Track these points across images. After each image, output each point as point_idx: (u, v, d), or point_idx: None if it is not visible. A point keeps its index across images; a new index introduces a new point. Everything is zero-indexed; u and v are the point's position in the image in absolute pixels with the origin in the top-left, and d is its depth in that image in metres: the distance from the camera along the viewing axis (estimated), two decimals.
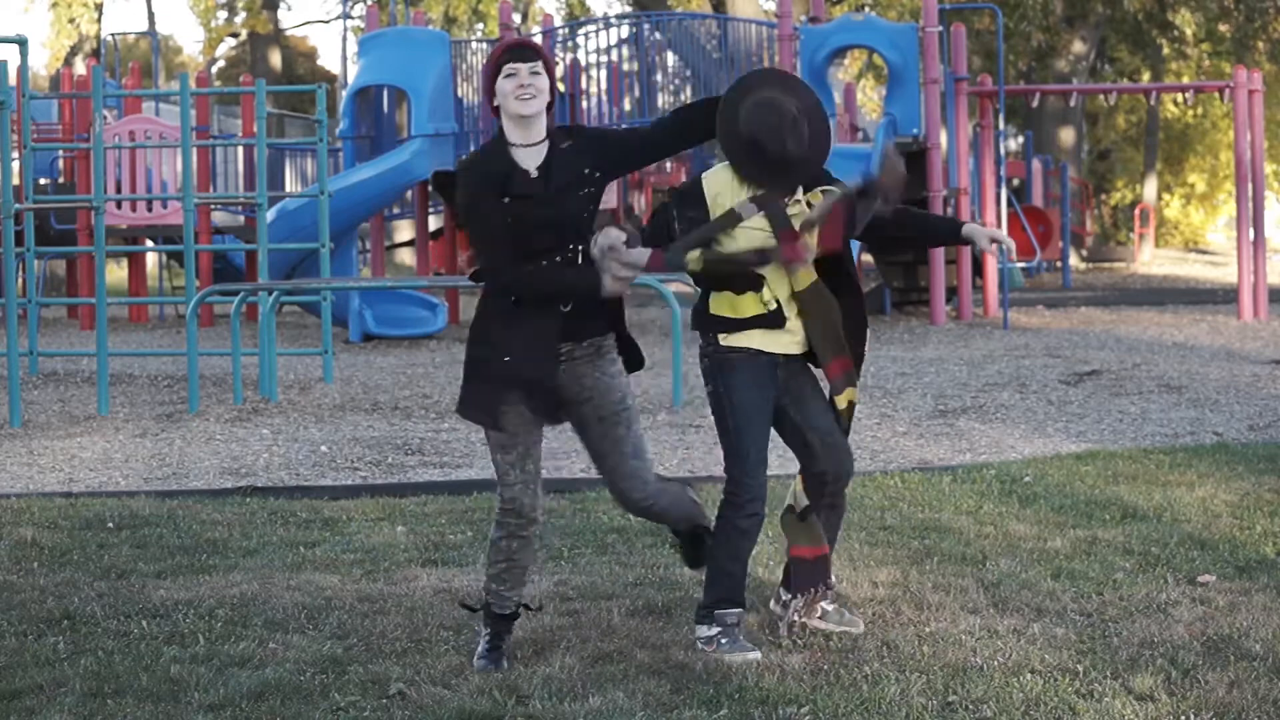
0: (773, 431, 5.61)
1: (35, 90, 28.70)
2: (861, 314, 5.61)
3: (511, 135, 5.29)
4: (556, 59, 21.19)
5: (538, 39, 21.67)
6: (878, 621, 5.80)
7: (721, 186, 5.50)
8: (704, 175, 5.58)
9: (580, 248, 5.27)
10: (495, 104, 5.30)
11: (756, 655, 5.36)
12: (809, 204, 5.51)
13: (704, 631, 5.49)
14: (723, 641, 5.43)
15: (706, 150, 32.25)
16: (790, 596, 5.68)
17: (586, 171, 5.29)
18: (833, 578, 5.74)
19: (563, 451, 10.12)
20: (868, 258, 22.39)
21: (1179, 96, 34.16)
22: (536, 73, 5.24)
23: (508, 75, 5.23)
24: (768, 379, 5.54)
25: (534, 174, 5.25)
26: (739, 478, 5.51)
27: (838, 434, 5.60)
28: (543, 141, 5.30)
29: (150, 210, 20.09)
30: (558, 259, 5.24)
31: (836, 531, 5.79)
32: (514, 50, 5.25)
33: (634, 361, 5.52)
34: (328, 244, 14.52)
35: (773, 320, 5.49)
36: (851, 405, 5.64)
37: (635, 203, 28.56)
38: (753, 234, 5.43)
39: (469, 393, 5.38)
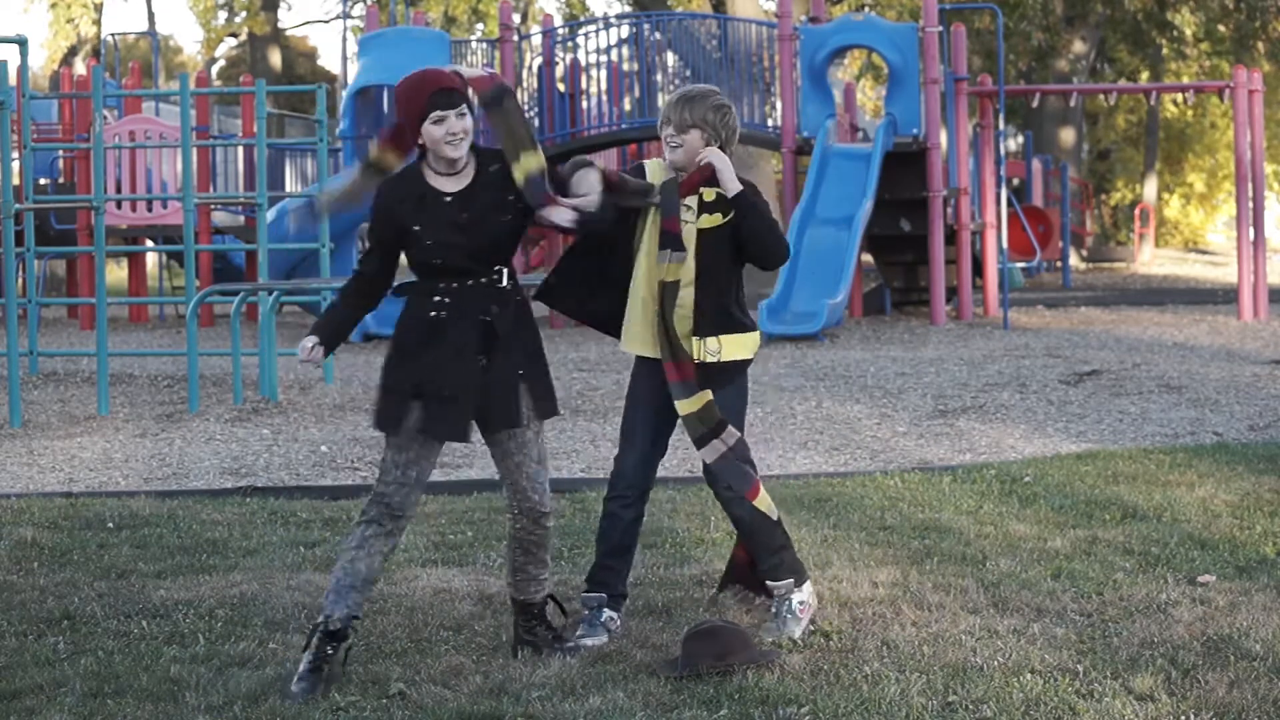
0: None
1: (35, 90, 28.71)
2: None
3: (436, 164, 5.36)
4: (557, 59, 21.19)
5: (537, 39, 21.67)
6: (878, 621, 5.80)
7: (654, 174, 5.84)
8: (645, 162, 5.90)
9: (504, 270, 5.35)
10: (420, 141, 5.30)
11: (593, 641, 5.52)
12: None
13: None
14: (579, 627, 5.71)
15: None
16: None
17: (510, 198, 5.34)
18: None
19: (563, 451, 10.13)
20: (868, 258, 22.39)
21: (1179, 96, 34.15)
22: (462, 115, 5.27)
23: (435, 121, 5.25)
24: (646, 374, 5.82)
25: (449, 199, 5.33)
26: (616, 465, 5.84)
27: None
28: (466, 168, 5.37)
29: (150, 210, 20.10)
30: (482, 280, 5.32)
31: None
32: (440, 95, 5.24)
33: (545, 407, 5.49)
34: (328, 244, 14.51)
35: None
36: (696, 414, 5.67)
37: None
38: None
39: (382, 404, 5.38)
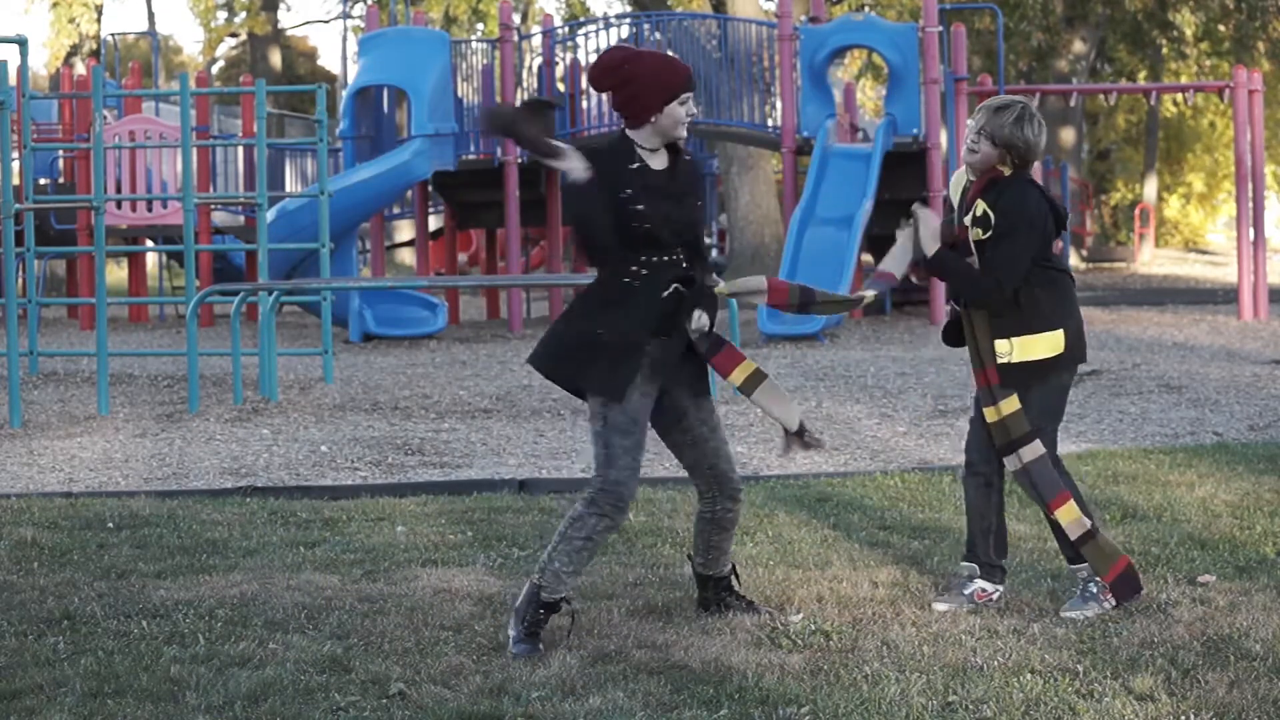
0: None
1: (35, 90, 28.70)
2: None
3: (649, 143, 5.67)
4: (557, 59, 21.19)
5: (537, 39, 21.67)
6: (878, 621, 5.80)
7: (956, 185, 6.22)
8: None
9: (684, 252, 5.64)
10: (653, 119, 5.61)
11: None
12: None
13: None
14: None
15: (706, 150, 32.27)
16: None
17: (698, 188, 5.75)
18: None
19: (562, 451, 10.12)
20: (868, 258, 22.39)
21: (1179, 96, 34.14)
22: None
23: (682, 102, 5.63)
24: None
25: (664, 178, 5.65)
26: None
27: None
28: (661, 150, 5.70)
29: (150, 210, 20.09)
30: (668, 257, 5.61)
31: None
32: (692, 81, 5.67)
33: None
34: (328, 244, 14.52)
35: None
36: (997, 423, 6.04)
37: None
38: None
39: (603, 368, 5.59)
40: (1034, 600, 6.05)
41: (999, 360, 5.97)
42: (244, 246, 18.73)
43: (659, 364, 5.60)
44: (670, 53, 21.31)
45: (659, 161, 5.66)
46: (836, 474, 9.10)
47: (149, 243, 21.77)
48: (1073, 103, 31.97)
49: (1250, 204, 20.62)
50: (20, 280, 18.63)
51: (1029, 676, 5.09)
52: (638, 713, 4.83)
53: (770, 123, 20.63)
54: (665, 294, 5.56)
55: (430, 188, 21.29)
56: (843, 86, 24.01)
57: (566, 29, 23.14)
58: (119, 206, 19.80)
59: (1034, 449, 5.96)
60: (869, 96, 39.77)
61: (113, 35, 31.00)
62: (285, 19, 64.84)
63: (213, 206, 20.56)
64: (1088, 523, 5.98)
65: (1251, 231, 20.57)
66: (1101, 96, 31.48)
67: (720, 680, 5.11)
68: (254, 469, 9.66)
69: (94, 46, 36.16)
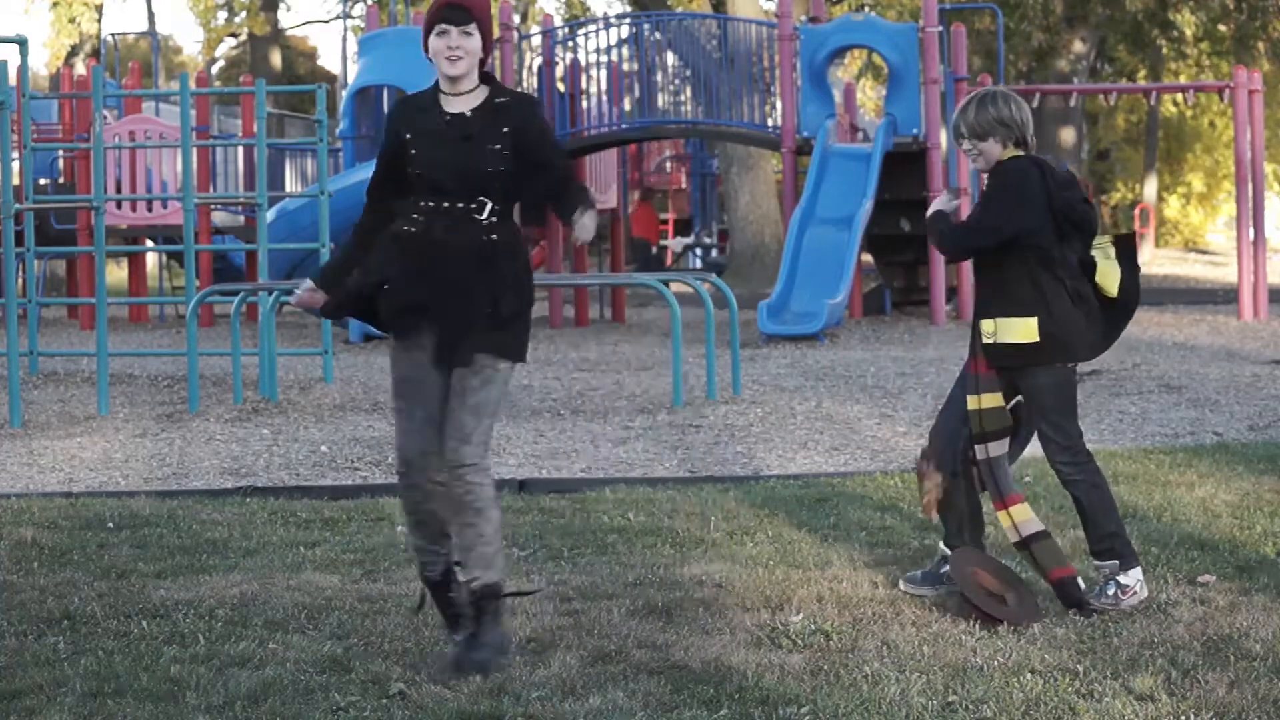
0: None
1: (35, 90, 28.69)
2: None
3: (443, 84, 5.44)
4: (557, 59, 21.18)
5: (538, 39, 21.67)
6: (878, 621, 5.80)
7: None
8: None
9: (486, 204, 5.34)
10: (429, 57, 5.42)
11: None
12: None
13: None
14: None
15: (706, 151, 32.23)
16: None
17: (505, 130, 5.36)
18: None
19: (562, 452, 10.12)
20: (868, 258, 22.39)
21: (1179, 96, 34.13)
22: (468, 34, 5.34)
23: (439, 34, 5.34)
24: None
25: (448, 118, 5.38)
26: None
27: None
28: (474, 90, 5.42)
29: (150, 210, 20.09)
30: (459, 205, 5.33)
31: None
32: (446, 9, 5.34)
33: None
34: (328, 244, 14.51)
35: None
36: (975, 411, 6.11)
37: (630, 201, 28.53)
38: None
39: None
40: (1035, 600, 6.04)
41: (984, 340, 6.05)
42: (244, 246, 18.73)
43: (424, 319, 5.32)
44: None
45: (461, 105, 5.39)
46: (836, 474, 9.10)
47: (149, 243, 21.76)
48: (1073, 103, 31.98)
49: (1250, 204, 20.61)
50: (20, 280, 18.62)
51: (1029, 676, 5.09)
52: (638, 713, 4.83)
53: (770, 123, 20.62)
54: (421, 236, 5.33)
55: None
56: (843, 86, 24.01)
57: (566, 29, 23.14)
58: (119, 206, 19.80)
59: (1000, 446, 6.06)
60: (869, 96, 39.76)
61: (113, 35, 31.02)
62: (285, 19, 64.83)
63: (213, 206, 20.55)
64: (1040, 525, 6.06)
65: (1251, 231, 20.56)
66: (1101, 96, 31.44)
67: (720, 680, 5.10)
68: (254, 469, 9.66)
69: (94, 46, 36.17)
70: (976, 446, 6.08)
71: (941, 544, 6.28)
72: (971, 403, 6.07)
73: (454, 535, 5.39)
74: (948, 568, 6.11)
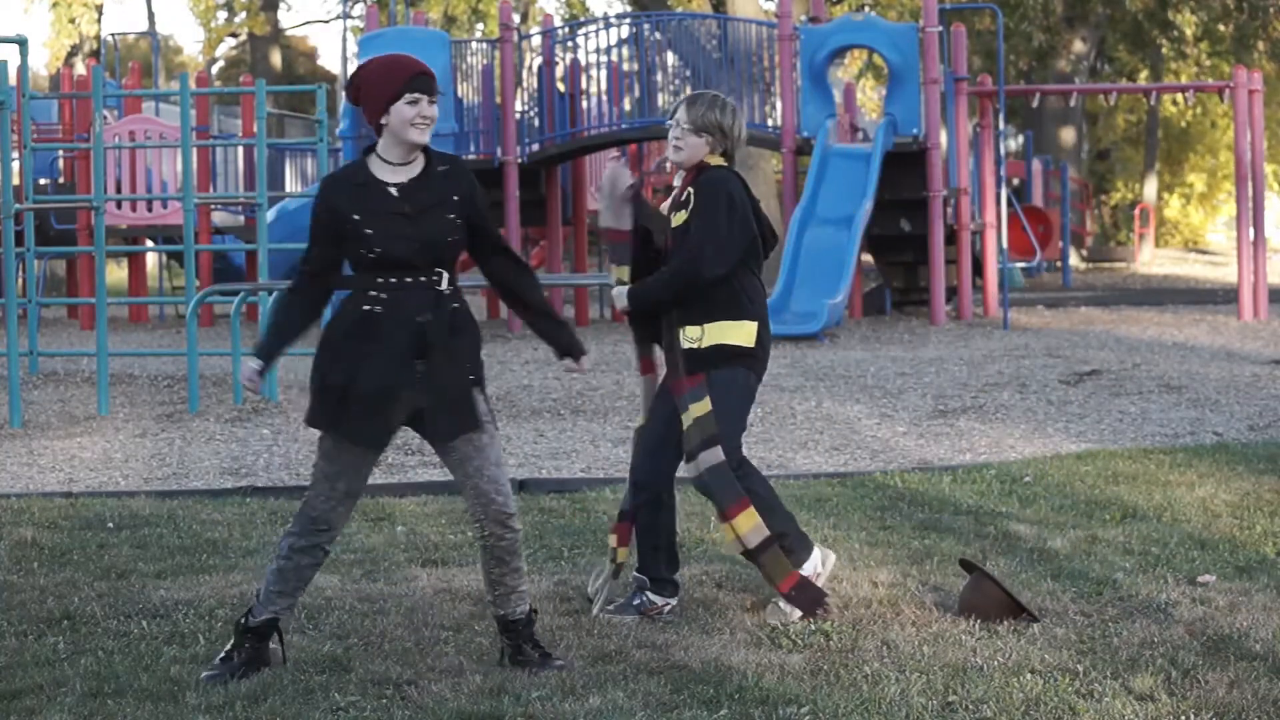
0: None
1: (35, 90, 28.69)
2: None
3: (388, 154, 5.28)
4: (557, 59, 21.18)
5: (537, 39, 21.67)
6: (878, 621, 5.80)
7: None
8: None
9: (444, 273, 5.27)
10: (382, 121, 5.25)
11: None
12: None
13: None
14: None
15: None
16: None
17: (455, 199, 5.29)
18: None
19: (563, 452, 10.12)
20: (868, 258, 22.39)
21: (1179, 96, 34.14)
22: (433, 104, 5.26)
23: (410, 101, 5.20)
24: None
25: (393, 190, 5.25)
26: None
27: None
28: (414, 161, 5.31)
29: (150, 210, 20.10)
30: (421, 279, 5.23)
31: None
32: (421, 78, 5.23)
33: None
34: None
35: None
36: (692, 423, 5.92)
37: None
38: None
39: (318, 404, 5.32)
40: (1033, 600, 6.04)
41: (685, 346, 5.93)
42: (244, 246, 18.73)
43: (402, 400, 5.24)
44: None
45: (400, 174, 5.26)
46: (836, 474, 9.10)
47: (149, 243, 21.77)
48: (1073, 103, 31.98)
49: (1250, 204, 20.61)
50: (20, 280, 18.62)
51: (1029, 676, 5.09)
52: (638, 713, 4.83)
53: (770, 123, 20.62)
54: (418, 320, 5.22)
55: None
56: (843, 86, 24.01)
57: (566, 29, 23.13)
58: (119, 206, 19.80)
59: (714, 454, 5.90)
60: (869, 96, 39.76)
61: (113, 35, 31.03)
62: (285, 19, 64.88)
63: (213, 206, 20.55)
64: (767, 531, 5.90)
65: (1251, 231, 20.56)
66: (1101, 96, 31.47)
67: (720, 680, 5.11)
68: (254, 469, 9.66)
69: (94, 46, 36.16)
70: (687, 466, 5.94)
71: (635, 571, 6.11)
72: (686, 419, 5.91)
73: (499, 581, 5.38)
74: (639, 599, 6.00)
